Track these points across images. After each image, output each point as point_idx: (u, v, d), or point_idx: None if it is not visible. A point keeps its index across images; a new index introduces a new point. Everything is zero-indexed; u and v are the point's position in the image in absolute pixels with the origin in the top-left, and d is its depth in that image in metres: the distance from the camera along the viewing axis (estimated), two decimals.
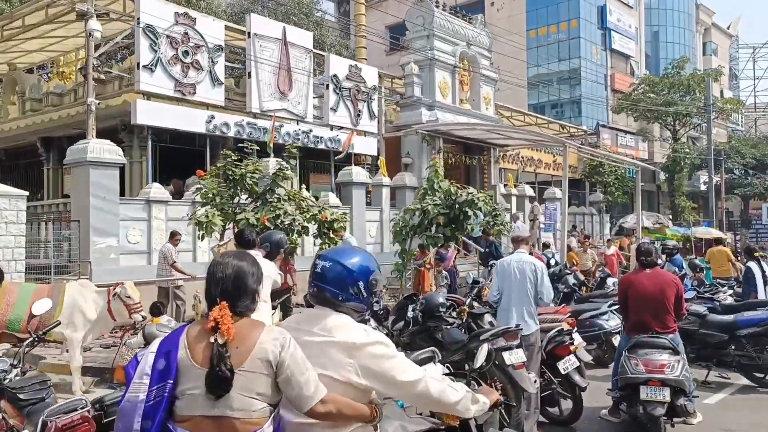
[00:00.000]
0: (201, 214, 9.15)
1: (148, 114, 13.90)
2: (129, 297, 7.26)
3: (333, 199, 15.90)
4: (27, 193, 11.12)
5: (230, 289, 2.24)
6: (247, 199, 9.85)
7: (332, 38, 31.71)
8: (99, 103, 12.75)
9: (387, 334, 7.96)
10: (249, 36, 15.67)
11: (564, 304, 9.69)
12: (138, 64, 13.52)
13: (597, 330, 8.60)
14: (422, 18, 20.47)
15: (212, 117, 14.96)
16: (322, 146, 17.80)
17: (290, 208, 9.40)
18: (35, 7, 14.77)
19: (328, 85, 17.86)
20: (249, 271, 2.30)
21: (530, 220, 21.46)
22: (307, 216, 9.72)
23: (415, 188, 16.79)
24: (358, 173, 17.07)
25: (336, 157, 17.90)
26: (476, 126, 20.06)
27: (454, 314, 7.14)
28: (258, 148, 10.65)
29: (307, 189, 17.33)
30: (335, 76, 17.96)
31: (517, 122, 27.57)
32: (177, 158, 14.92)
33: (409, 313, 7.02)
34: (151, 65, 13.70)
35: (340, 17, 38.73)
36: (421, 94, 20.35)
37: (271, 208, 9.20)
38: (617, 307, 9.30)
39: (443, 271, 13.70)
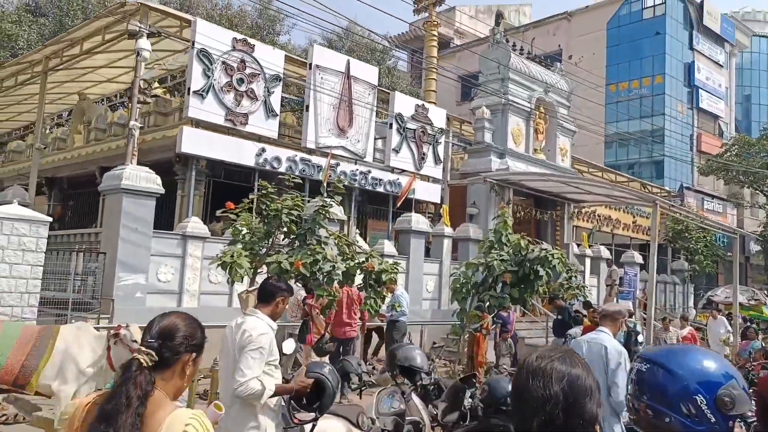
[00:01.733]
0: (227, 253, 7.81)
1: (195, 143, 12.99)
2: (135, 341, 6.09)
3: (388, 247, 14.40)
4: (50, 219, 10.14)
5: (560, 420, 1.41)
6: (284, 239, 8.48)
7: (402, 86, 30.90)
8: (142, 126, 11.86)
9: (435, 425, 6.25)
10: (310, 67, 14.68)
11: None
12: (188, 89, 12.67)
13: None
14: (497, 60, 19.09)
15: (263, 150, 13.89)
16: (380, 189, 16.44)
17: (331, 252, 7.94)
18: (87, 32, 14.32)
19: (391, 125, 16.60)
20: (586, 386, 1.47)
21: (607, 285, 19.25)
22: (351, 264, 8.24)
23: (480, 241, 15.09)
24: (418, 221, 15.49)
25: (396, 205, 16.44)
26: (551, 177, 18.23)
27: None
28: (300, 181, 9.32)
29: (364, 236, 15.93)
30: (399, 114, 16.69)
31: (595, 179, 25.52)
32: (232, 194, 13.88)
33: (466, 402, 5.24)
34: (203, 91, 12.82)
35: (412, 66, 38.10)
36: (492, 140, 18.78)
37: (309, 252, 7.76)
38: None
39: (508, 339, 11.85)
